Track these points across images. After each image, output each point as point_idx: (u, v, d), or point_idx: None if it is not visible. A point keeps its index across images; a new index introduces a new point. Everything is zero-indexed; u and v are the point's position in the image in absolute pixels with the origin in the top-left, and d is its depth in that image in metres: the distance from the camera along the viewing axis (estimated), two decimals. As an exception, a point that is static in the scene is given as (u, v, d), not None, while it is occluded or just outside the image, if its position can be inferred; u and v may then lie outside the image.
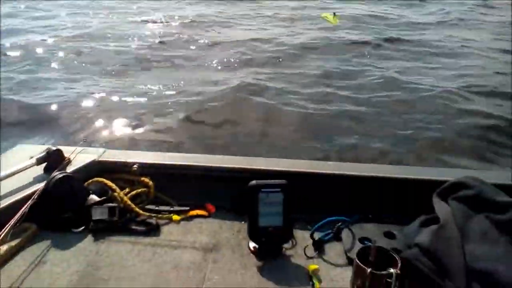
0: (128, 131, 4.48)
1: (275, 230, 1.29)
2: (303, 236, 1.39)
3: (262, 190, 1.28)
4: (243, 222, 1.44)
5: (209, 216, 1.50)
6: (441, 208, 1.24)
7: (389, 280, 1.07)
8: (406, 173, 1.50)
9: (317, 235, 1.37)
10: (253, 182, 1.29)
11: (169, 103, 5.09)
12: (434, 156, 3.68)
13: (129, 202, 1.47)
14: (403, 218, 1.40)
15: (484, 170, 1.51)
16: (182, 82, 5.86)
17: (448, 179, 1.33)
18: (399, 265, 1.12)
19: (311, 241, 1.36)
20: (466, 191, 1.27)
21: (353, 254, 1.18)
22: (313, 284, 1.18)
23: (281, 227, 1.30)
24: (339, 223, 1.41)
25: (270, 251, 1.31)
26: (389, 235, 1.36)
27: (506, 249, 1.08)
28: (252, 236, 1.32)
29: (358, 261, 1.13)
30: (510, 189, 1.32)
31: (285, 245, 1.35)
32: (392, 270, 1.08)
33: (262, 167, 1.52)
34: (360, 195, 1.52)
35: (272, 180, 1.29)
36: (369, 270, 1.09)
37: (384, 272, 1.09)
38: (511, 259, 1.04)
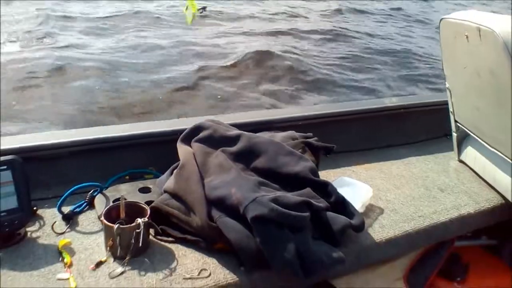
0: None
1: (11, 213, 1.12)
2: (52, 213, 1.26)
3: None
4: None
5: None
6: (182, 151, 1.30)
7: (138, 230, 1.07)
8: (155, 127, 1.51)
9: (67, 209, 1.26)
10: None
11: None
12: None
13: None
14: (161, 172, 1.42)
15: (220, 115, 1.66)
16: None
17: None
18: (148, 214, 1.14)
19: (60, 216, 1.24)
20: (204, 132, 1.37)
21: None
22: (63, 259, 1.09)
23: (18, 209, 1.14)
24: (92, 191, 1.33)
25: (9, 238, 1.14)
26: (144, 190, 1.36)
27: (237, 174, 1.21)
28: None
29: (105, 221, 1.09)
30: (241, 125, 1.49)
31: (31, 228, 1.20)
32: (139, 220, 1.08)
33: None
34: (114, 158, 1.47)
35: None
36: (115, 226, 1.06)
37: (132, 224, 1.08)
38: (241, 181, 1.18)
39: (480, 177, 1.63)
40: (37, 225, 1.23)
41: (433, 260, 1.53)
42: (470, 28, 1.35)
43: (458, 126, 1.72)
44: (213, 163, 1.26)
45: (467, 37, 1.39)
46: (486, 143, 1.54)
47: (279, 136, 1.46)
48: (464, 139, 1.75)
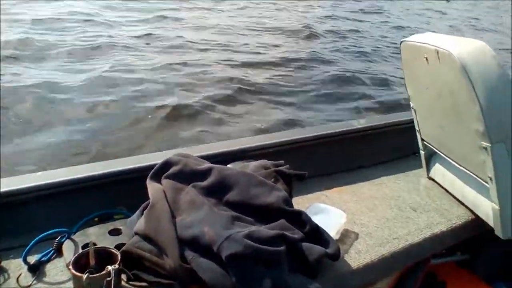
0: None
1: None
2: (17, 264, 1.20)
3: None
4: None
5: None
6: (152, 189, 1.27)
7: (108, 278, 1.03)
8: (122, 165, 1.48)
9: (32, 258, 1.21)
10: None
11: None
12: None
13: None
14: (132, 212, 1.38)
15: (190, 147, 1.65)
16: None
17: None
18: (119, 259, 1.10)
19: (26, 267, 1.19)
20: (175, 167, 1.34)
21: None
22: (29, 315, 1.03)
23: (-21, 265, 1.08)
24: (59, 237, 1.28)
25: None
26: (114, 232, 1.32)
27: (210, 210, 1.19)
28: None
29: (73, 271, 1.04)
30: (212, 157, 1.47)
31: (-7, 283, 1.14)
32: (109, 268, 1.04)
33: None
34: (81, 200, 1.42)
35: None
36: (85, 276, 1.01)
37: (103, 273, 1.04)
38: (213, 218, 1.15)
39: (450, 193, 1.67)
40: (1, 278, 1.16)
41: (410, 281, 1.54)
42: (429, 50, 1.40)
43: (425, 145, 1.76)
44: (184, 200, 1.23)
45: (426, 59, 1.44)
46: (453, 160, 1.58)
47: (251, 165, 1.45)
48: (431, 156, 1.79)
